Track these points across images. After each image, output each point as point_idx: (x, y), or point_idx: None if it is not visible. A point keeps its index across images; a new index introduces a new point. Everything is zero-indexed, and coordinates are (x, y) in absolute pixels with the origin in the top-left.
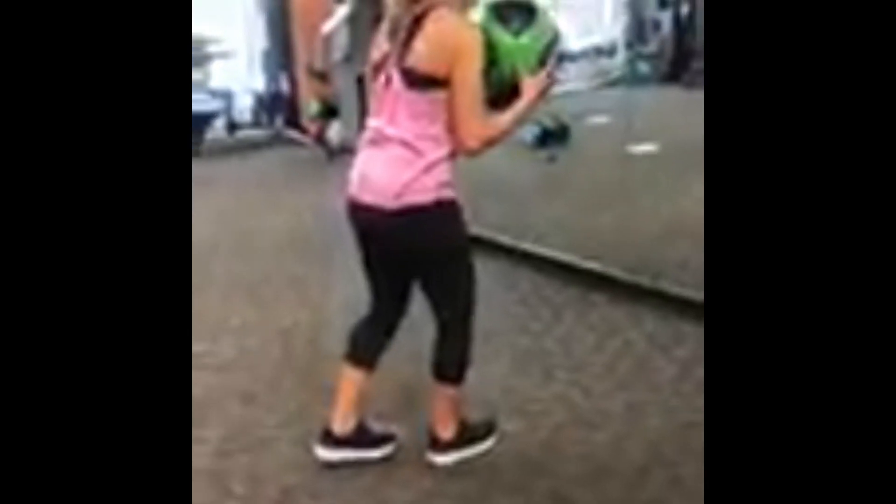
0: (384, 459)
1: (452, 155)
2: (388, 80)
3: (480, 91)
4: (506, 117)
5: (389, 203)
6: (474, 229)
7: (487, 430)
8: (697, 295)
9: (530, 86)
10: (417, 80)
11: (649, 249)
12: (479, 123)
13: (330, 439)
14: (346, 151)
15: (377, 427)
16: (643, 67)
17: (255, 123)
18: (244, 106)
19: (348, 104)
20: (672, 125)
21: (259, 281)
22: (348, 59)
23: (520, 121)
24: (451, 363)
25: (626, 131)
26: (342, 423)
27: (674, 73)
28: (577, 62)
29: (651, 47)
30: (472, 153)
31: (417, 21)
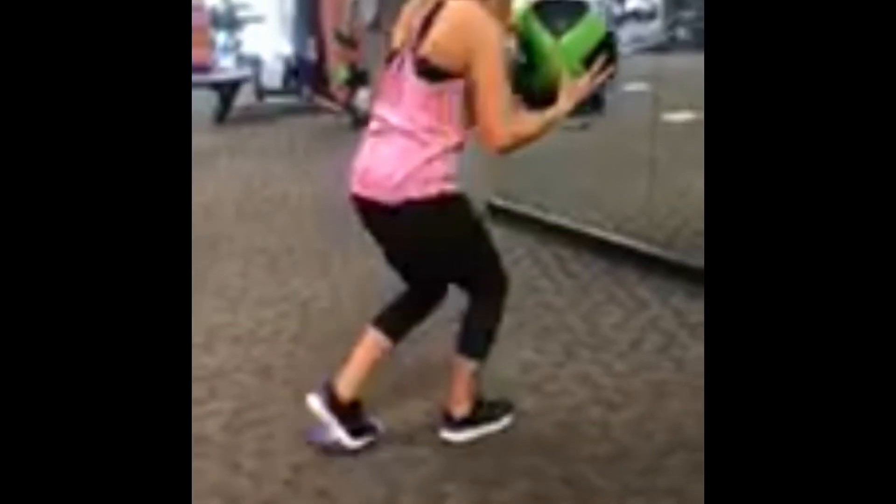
0: (396, 438)
1: (458, 147)
2: (400, 67)
3: (505, 88)
4: (535, 121)
5: (390, 197)
6: (499, 200)
7: (503, 409)
8: None
9: (567, 92)
10: (429, 71)
11: (682, 223)
12: (505, 124)
13: (329, 403)
14: None
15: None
16: (683, 33)
17: (285, 90)
18: (274, 72)
19: (376, 71)
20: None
21: (281, 251)
22: (376, 24)
23: (549, 127)
24: (475, 338)
25: (663, 99)
26: (344, 388)
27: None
28: (616, 27)
29: (691, 13)
30: (501, 152)
31: (437, 9)
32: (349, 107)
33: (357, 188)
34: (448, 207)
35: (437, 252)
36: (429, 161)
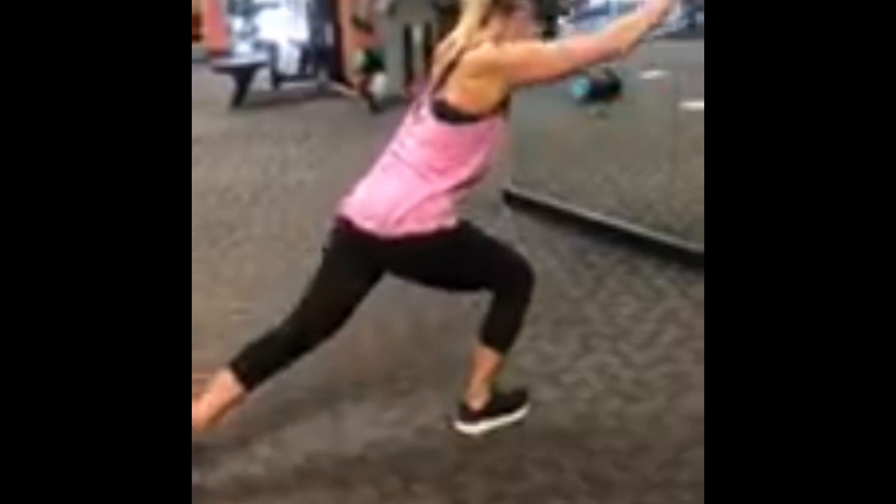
0: (411, 429)
1: (469, 182)
2: (419, 107)
3: (541, 47)
4: (633, 20)
5: (389, 230)
6: (515, 189)
7: (519, 400)
8: None
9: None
10: (445, 113)
11: (701, 214)
12: (588, 41)
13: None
14: (391, 104)
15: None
16: (702, 19)
17: (300, 76)
18: (289, 57)
19: (393, 56)
20: None
21: (297, 238)
22: (393, 10)
23: (650, 25)
24: (499, 329)
25: (682, 87)
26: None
27: None
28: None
29: None
30: (629, 50)
31: (458, 57)
32: (365, 93)
33: (352, 215)
34: (446, 241)
35: (443, 276)
36: (430, 198)
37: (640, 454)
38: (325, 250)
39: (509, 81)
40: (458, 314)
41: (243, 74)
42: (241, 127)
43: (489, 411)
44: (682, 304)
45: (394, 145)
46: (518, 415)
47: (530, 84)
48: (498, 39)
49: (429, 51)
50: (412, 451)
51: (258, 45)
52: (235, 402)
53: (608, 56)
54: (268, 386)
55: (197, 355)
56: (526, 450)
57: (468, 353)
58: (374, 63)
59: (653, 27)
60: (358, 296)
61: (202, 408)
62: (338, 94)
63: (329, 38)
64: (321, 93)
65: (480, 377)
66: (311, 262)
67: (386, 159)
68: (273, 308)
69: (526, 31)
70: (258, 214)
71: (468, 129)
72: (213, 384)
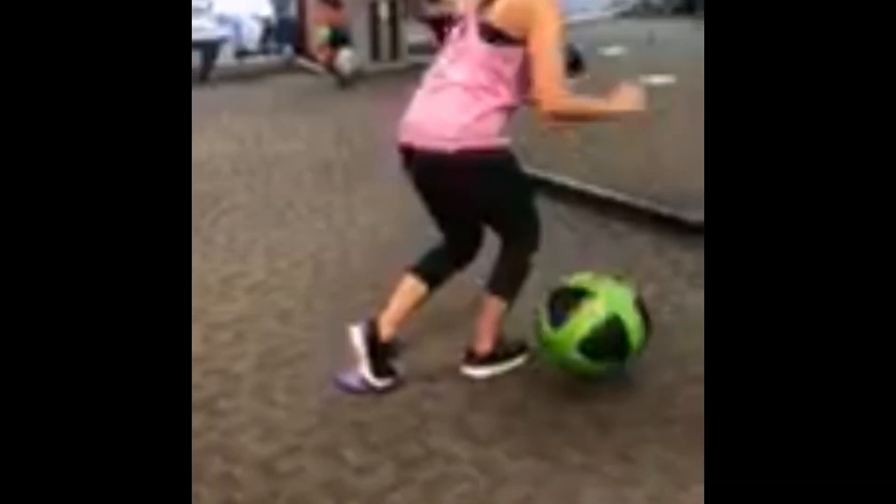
0: (422, 376)
1: (511, 108)
2: (464, 31)
3: (558, 57)
4: (592, 101)
5: (447, 146)
6: None
7: (520, 348)
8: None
9: (622, 97)
10: (491, 35)
11: (670, 179)
12: (559, 87)
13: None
14: (358, 79)
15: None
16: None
17: (264, 50)
18: (252, 32)
19: (360, 31)
20: (687, 57)
21: (283, 206)
22: None
23: (602, 115)
24: (508, 279)
25: (641, 62)
26: (385, 325)
27: (688, 4)
28: None
29: None
30: (553, 117)
31: None
32: (331, 68)
33: (411, 138)
34: (500, 160)
35: (486, 201)
36: (484, 115)
37: (634, 395)
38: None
39: (529, 22)
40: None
41: (208, 49)
42: (211, 101)
43: (493, 357)
44: (661, 264)
45: (439, 67)
46: (519, 361)
47: (526, 41)
48: None
49: (395, 26)
50: (425, 394)
51: (222, 20)
52: (420, 303)
53: (545, 97)
54: (278, 338)
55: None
56: (530, 394)
57: (473, 303)
58: (339, 38)
59: (603, 118)
60: (466, 199)
61: (390, 310)
62: (304, 69)
63: (293, 12)
64: (288, 68)
65: (486, 325)
66: (303, 229)
67: (433, 82)
68: (271, 270)
69: None
70: (241, 185)
71: (511, 52)
72: (396, 291)
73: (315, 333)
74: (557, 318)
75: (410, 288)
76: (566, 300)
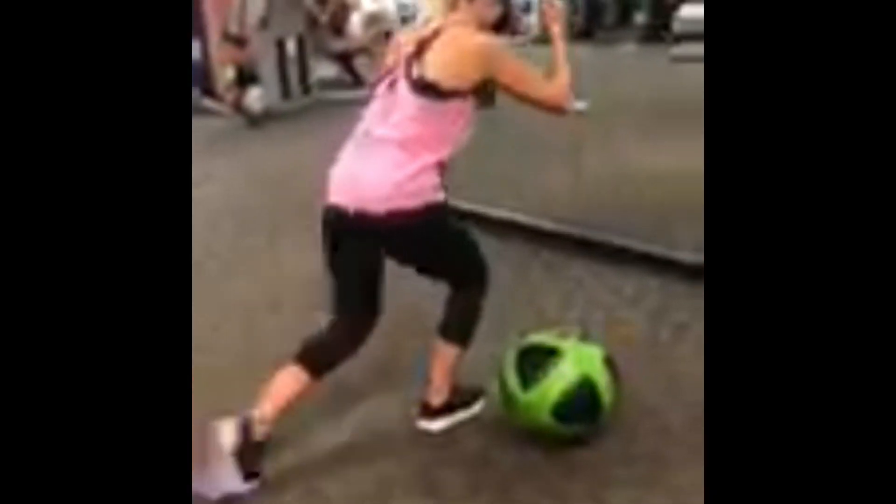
0: (371, 435)
1: (441, 163)
2: (392, 85)
3: (535, 73)
4: (560, 67)
5: (379, 207)
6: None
7: (474, 394)
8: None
9: (552, 24)
10: (427, 89)
11: (597, 204)
12: (557, 92)
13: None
14: (268, 118)
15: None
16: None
17: None
18: None
19: (268, 70)
20: (596, 83)
21: (205, 256)
22: (265, 23)
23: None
24: (461, 324)
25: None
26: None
27: (587, 30)
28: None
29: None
30: (566, 111)
31: (434, 35)
32: (240, 108)
33: (341, 199)
34: (435, 217)
35: (424, 256)
36: (419, 173)
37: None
38: (325, 242)
39: (485, 74)
40: (400, 318)
41: None
42: None
43: (450, 407)
44: (601, 291)
45: (365, 125)
46: (475, 409)
47: (481, 87)
48: (465, 24)
49: (303, 63)
50: (381, 455)
51: None
52: (305, 393)
53: (557, 108)
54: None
55: None
56: (492, 441)
57: (414, 352)
58: (245, 78)
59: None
60: (375, 271)
61: (268, 404)
62: (211, 111)
63: (197, 53)
64: (193, 110)
65: (441, 374)
66: (228, 279)
67: (361, 140)
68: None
69: (488, 16)
70: None
71: (448, 105)
72: (276, 380)
73: (243, 394)
74: (527, 380)
75: (293, 378)
76: (533, 359)
